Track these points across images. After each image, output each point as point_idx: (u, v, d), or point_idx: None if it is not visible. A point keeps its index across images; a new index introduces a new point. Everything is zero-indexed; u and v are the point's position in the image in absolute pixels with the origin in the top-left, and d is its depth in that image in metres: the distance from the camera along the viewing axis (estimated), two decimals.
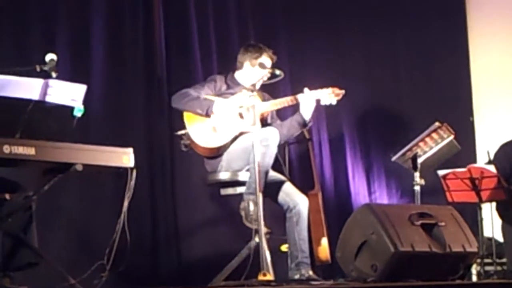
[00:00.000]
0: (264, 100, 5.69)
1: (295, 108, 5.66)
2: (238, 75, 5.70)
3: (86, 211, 5.82)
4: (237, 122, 5.40)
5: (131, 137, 5.84)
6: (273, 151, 5.27)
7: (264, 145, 5.20)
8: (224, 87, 5.64)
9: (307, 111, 5.54)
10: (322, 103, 5.56)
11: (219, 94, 5.56)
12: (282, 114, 5.89)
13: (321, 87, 5.55)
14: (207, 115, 5.41)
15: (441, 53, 7.71)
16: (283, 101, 5.60)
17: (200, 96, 5.47)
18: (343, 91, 5.56)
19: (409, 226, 4.72)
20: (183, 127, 5.48)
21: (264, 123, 5.60)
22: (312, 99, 5.52)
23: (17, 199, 4.41)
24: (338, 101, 5.58)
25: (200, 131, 5.43)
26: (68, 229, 5.75)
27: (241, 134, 5.40)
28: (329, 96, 5.52)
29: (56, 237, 5.55)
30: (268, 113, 5.70)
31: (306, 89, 5.54)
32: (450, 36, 7.87)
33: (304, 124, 5.60)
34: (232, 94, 5.51)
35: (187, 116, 5.48)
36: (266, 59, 5.63)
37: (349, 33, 7.44)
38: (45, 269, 4.52)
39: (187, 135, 5.45)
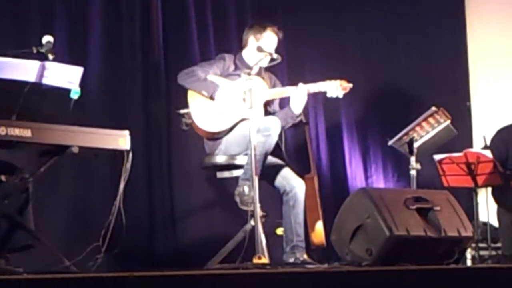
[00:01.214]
0: (271, 83, 5.65)
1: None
2: (245, 54, 5.63)
3: (82, 193, 5.83)
4: (240, 107, 5.36)
5: (128, 120, 5.84)
6: (273, 140, 5.25)
7: (265, 135, 5.18)
8: (232, 67, 5.56)
9: (297, 105, 5.46)
10: (329, 95, 5.48)
11: (227, 75, 5.50)
12: (282, 102, 5.84)
13: (327, 77, 5.49)
14: (211, 98, 5.38)
15: (438, 38, 7.71)
16: (279, 92, 5.56)
17: (207, 76, 5.42)
18: (350, 85, 5.49)
19: (405, 210, 4.72)
20: (184, 107, 5.44)
21: (267, 110, 5.56)
22: (303, 94, 5.44)
23: (13, 181, 4.42)
24: (345, 94, 5.53)
25: (202, 112, 5.39)
26: (64, 211, 5.76)
27: (242, 120, 5.36)
28: (336, 89, 5.46)
29: (52, 219, 5.56)
30: (273, 101, 5.65)
31: (300, 84, 5.46)
32: (448, 22, 7.86)
33: (294, 117, 5.53)
34: (239, 75, 5.43)
35: (191, 95, 5.43)
36: (270, 35, 5.58)
37: (346, 18, 7.43)
38: (41, 251, 4.53)
39: (188, 115, 5.41)
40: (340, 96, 5.49)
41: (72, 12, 5.98)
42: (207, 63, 5.60)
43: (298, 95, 5.45)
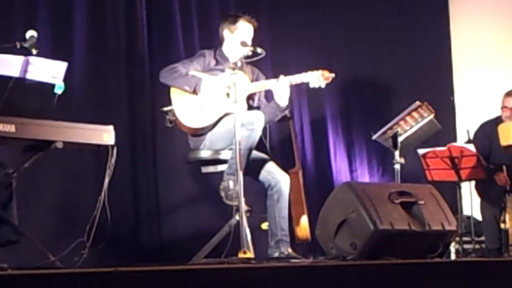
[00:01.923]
0: (254, 77, 5.64)
1: None
2: (224, 48, 5.62)
3: (67, 189, 5.82)
4: (223, 102, 5.34)
5: (113, 115, 5.83)
6: (257, 134, 5.24)
7: (249, 129, 5.17)
8: (213, 62, 5.54)
9: (281, 98, 5.44)
10: (311, 85, 5.44)
11: (208, 70, 5.47)
12: (270, 95, 5.83)
13: (309, 68, 5.48)
14: (194, 92, 5.37)
15: (422, 33, 7.74)
16: (261, 85, 5.55)
17: (189, 72, 5.41)
18: (333, 75, 5.46)
19: (389, 204, 4.73)
20: (168, 103, 5.44)
21: (250, 104, 5.56)
22: (286, 87, 5.41)
23: None
24: (327, 84, 5.53)
25: (185, 108, 5.39)
26: (48, 206, 5.74)
27: (226, 114, 5.35)
28: (318, 79, 5.45)
29: (36, 214, 5.54)
30: (255, 94, 5.64)
31: (281, 76, 5.43)
32: (431, 16, 7.89)
33: (281, 110, 5.52)
34: (221, 70, 5.40)
35: (174, 92, 5.41)
36: (244, 24, 5.53)
37: (331, 10, 7.44)
38: (25, 246, 4.52)
39: (172, 112, 5.41)
40: (323, 86, 5.45)
41: (56, 7, 5.95)
42: (187, 60, 5.58)
43: (281, 88, 5.43)
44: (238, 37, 5.49)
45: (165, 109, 5.42)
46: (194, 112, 5.37)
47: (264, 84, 5.53)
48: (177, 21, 6.50)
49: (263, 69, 5.98)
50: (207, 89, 5.35)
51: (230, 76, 5.11)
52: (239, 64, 5.49)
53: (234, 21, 5.56)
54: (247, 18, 5.56)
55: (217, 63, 5.53)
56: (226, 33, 5.59)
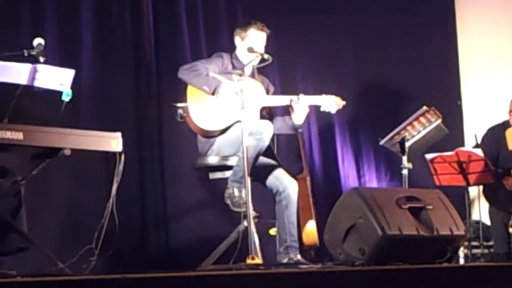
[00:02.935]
0: (264, 87, 5.61)
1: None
2: (238, 54, 5.62)
3: (75, 196, 5.83)
4: (236, 109, 5.26)
5: (120, 121, 5.83)
6: (265, 144, 5.23)
7: (257, 138, 5.17)
8: (230, 66, 5.51)
9: (299, 117, 5.52)
10: (322, 109, 5.56)
11: (225, 73, 5.43)
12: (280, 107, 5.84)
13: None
14: (213, 94, 5.35)
15: (429, 38, 7.72)
16: (280, 100, 5.56)
17: (209, 73, 5.38)
18: (344, 102, 5.59)
19: (397, 209, 4.73)
20: (176, 101, 5.40)
21: (263, 115, 5.55)
22: (306, 106, 5.49)
23: (5, 184, 4.42)
24: (338, 111, 5.61)
25: (200, 108, 5.34)
26: (57, 213, 5.75)
27: (237, 121, 5.29)
28: (330, 105, 5.53)
29: (45, 221, 5.55)
30: (269, 107, 5.65)
31: (301, 95, 5.49)
32: (438, 20, 7.88)
33: (296, 128, 5.60)
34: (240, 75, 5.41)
35: (191, 90, 5.37)
36: (255, 32, 5.54)
37: (338, 16, 7.44)
38: (34, 253, 4.53)
39: (185, 109, 5.38)
40: (333, 111, 5.58)
41: (63, 14, 5.97)
42: (205, 60, 5.55)
43: (301, 107, 5.49)
44: (248, 44, 5.50)
45: (179, 105, 5.39)
46: (208, 114, 5.35)
47: (283, 100, 5.54)
48: (183, 27, 6.50)
49: (270, 75, 5.99)
50: (224, 94, 5.33)
51: (237, 82, 5.12)
52: (249, 71, 5.48)
53: (245, 29, 5.56)
54: (258, 25, 5.56)
55: (233, 67, 5.50)
56: (237, 40, 5.59)
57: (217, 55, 5.56)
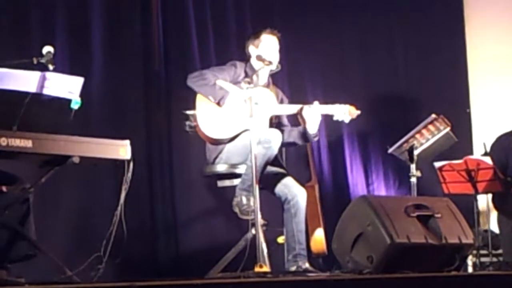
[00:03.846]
0: (278, 99, 5.63)
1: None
2: (252, 64, 5.65)
3: (83, 203, 5.83)
4: (245, 117, 5.28)
5: (129, 129, 5.83)
6: (273, 153, 5.24)
7: (266, 147, 5.19)
8: (242, 75, 5.53)
9: (313, 126, 5.49)
10: (335, 118, 5.53)
11: (236, 82, 5.45)
12: (290, 117, 5.83)
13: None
14: (218, 104, 5.36)
15: (437, 45, 7.71)
16: (292, 109, 5.55)
17: (217, 82, 5.38)
18: (358, 112, 5.55)
19: (405, 217, 4.72)
20: (186, 109, 5.42)
21: (273, 123, 5.56)
22: (319, 114, 5.47)
23: (14, 191, 4.42)
24: (351, 120, 5.57)
25: (208, 117, 5.36)
26: (65, 221, 5.76)
27: (246, 130, 5.32)
28: (344, 113, 5.50)
29: (53, 229, 5.56)
30: (279, 116, 5.65)
31: (316, 103, 5.48)
32: (447, 28, 7.87)
33: (311, 137, 5.57)
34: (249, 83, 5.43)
35: (200, 98, 5.40)
36: (267, 37, 5.58)
37: (346, 25, 7.44)
38: (42, 261, 4.54)
39: (194, 117, 5.40)
40: (346, 121, 5.54)
41: (72, 22, 5.98)
42: (218, 68, 5.58)
43: (314, 115, 5.46)
44: (261, 50, 5.52)
45: (188, 112, 5.40)
46: (216, 122, 5.36)
47: (293, 109, 5.54)
48: (193, 36, 6.52)
49: (279, 83, 6.00)
50: (232, 103, 5.34)
51: (246, 90, 5.13)
52: (264, 81, 5.49)
53: (258, 36, 5.60)
54: (269, 30, 5.61)
55: (246, 76, 5.51)
56: (251, 49, 5.61)
57: (230, 63, 5.59)
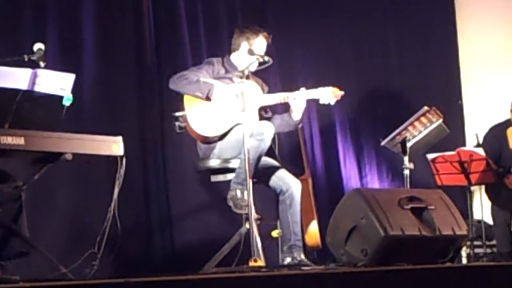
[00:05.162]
0: (261, 86, 5.65)
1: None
2: (234, 57, 5.61)
3: (76, 200, 5.83)
4: (235, 111, 5.30)
5: (122, 125, 5.82)
6: (266, 145, 5.25)
7: (258, 139, 5.19)
8: (222, 70, 5.54)
9: (297, 112, 5.52)
10: (321, 102, 5.53)
11: (217, 78, 5.46)
12: (278, 106, 5.84)
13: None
14: (208, 99, 5.36)
15: (429, 37, 7.73)
16: (277, 98, 5.55)
17: (199, 79, 5.40)
18: (342, 92, 5.55)
19: (399, 210, 4.73)
20: (177, 111, 5.44)
21: (262, 115, 5.56)
22: (303, 101, 5.49)
23: (6, 189, 4.42)
24: (337, 102, 5.57)
25: (198, 116, 5.36)
26: (59, 218, 5.75)
27: (237, 124, 5.32)
28: (329, 96, 5.51)
29: (47, 226, 5.55)
30: (268, 106, 5.65)
31: (302, 89, 5.50)
32: (439, 20, 7.89)
33: (295, 125, 5.60)
34: (230, 78, 5.41)
35: (188, 99, 5.39)
36: (262, 40, 5.59)
37: (339, 18, 7.44)
38: (36, 258, 4.53)
39: (184, 118, 5.39)
40: (332, 103, 5.55)
41: (63, 19, 5.97)
42: (195, 67, 5.58)
43: (298, 103, 5.48)
44: (255, 49, 5.51)
45: (178, 114, 5.40)
46: (207, 120, 5.36)
47: (280, 98, 5.54)
48: (184, 31, 6.51)
49: (271, 78, 6.00)
50: (219, 96, 5.34)
51: (238, 85, 5.13)
52: (246, 73, 5.49)
53: (254, 36, 5.59)
54: (265, 34, 5.62)
55: (226, 71, 5.53)
56: (244, 44, 5.59)
57: (207, 61, 5.60)
